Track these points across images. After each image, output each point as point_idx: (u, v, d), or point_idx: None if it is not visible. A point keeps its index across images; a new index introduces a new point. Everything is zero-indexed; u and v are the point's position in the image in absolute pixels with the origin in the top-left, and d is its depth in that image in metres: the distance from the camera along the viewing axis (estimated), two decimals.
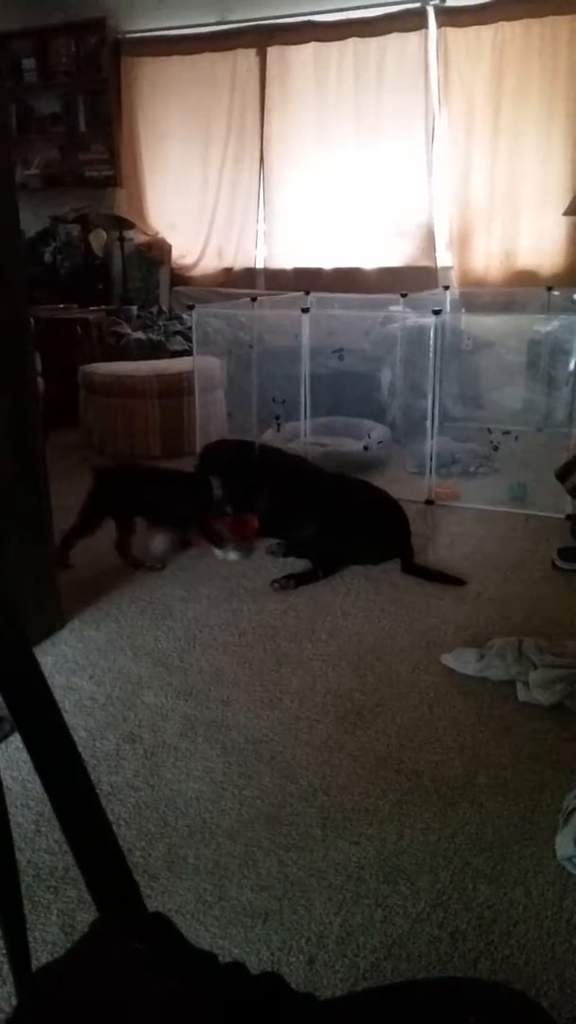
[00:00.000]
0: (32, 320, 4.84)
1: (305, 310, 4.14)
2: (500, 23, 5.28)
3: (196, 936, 1.51)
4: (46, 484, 2.65)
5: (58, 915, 1.56)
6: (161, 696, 2.31)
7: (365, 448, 4.36)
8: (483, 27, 5.32)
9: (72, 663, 2.48)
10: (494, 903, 1.60)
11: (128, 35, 6.12)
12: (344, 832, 1.79)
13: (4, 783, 1.91)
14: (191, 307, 4.46)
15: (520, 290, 5.50)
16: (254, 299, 5.03)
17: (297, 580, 3.05)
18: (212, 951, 0.81)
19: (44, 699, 0.75)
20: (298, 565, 3.17)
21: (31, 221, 6.26)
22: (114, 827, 1.81)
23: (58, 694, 2.30)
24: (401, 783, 1.95)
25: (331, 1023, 0.77)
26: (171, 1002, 0.62)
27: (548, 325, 5.11)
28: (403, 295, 5.04)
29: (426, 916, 1.57)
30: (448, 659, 2.45)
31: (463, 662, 2.41)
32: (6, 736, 2.02)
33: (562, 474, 3.33)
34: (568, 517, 3.52)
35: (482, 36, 5.35)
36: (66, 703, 2.25)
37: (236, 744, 2.09)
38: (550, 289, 5.22)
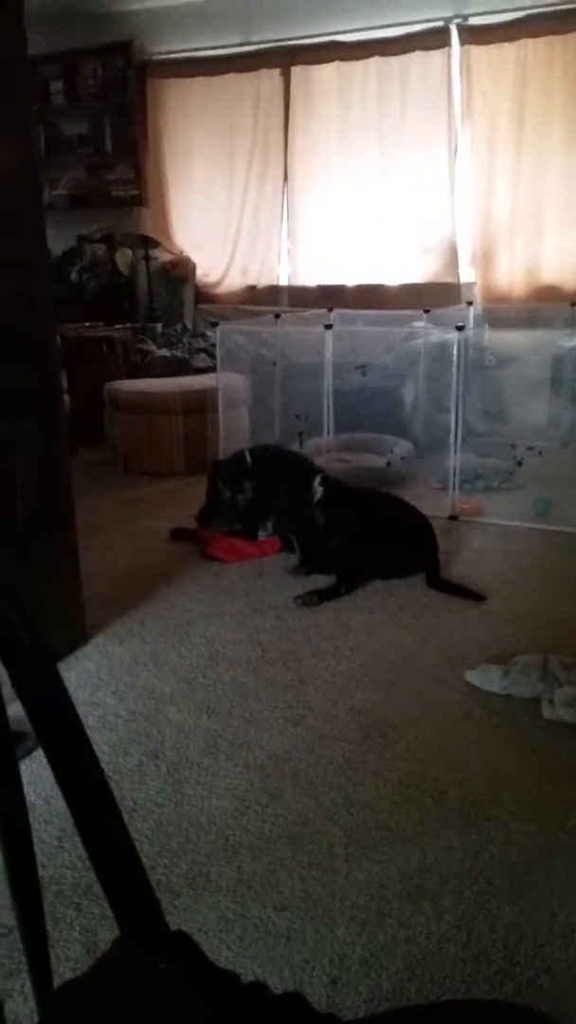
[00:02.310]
0: (58, 338, 4.91)
1: (328, 326, 4.15)
2: (523, 40, 5.29)
3: (218, 955, 1.50)
4: (71, 500, 2.68)
5: (80, 932, 1.57)
6: (184, 712, 2.31)
7: (388, 464, 4.36)
8: (506, 44, 5.33)
9: (96, 678, 2.49)
10: (519, 924, 1.58)
11: (154, 57, 6.20)
12: (367, 851, 1.78)
13: (28, 799, 1.92)
14: (215, 324, 4.48)
15: (544, 305, 5.48)
16: (277, 316, 5.06)
17: (320, 596, 3.05)
18: (233, 970, 0.81)
19: (68, 715, 0.75)
20: (321, 581, 3.16)
21: (58, 240, 6.34)
22: (136, 843, 1.81)
23: (82, 709, 2.31)
24: (425, 801, 1.94)
25: None
26: (191, 1022, 0.62)
27: (572, 340, 5.09)
28: (426, 311, 5.04)
29: (450, 937, 1.55)
30: (472, 676, 2.43)
31: (487, 679, 2.39)
32: (30, 752, 2.02)
33: None
34: None
35: (505, 53, 5.36)
36: (89, 719, 2.26)
37: (259, 761, 2.09)
38: (574, 304, 5.20)
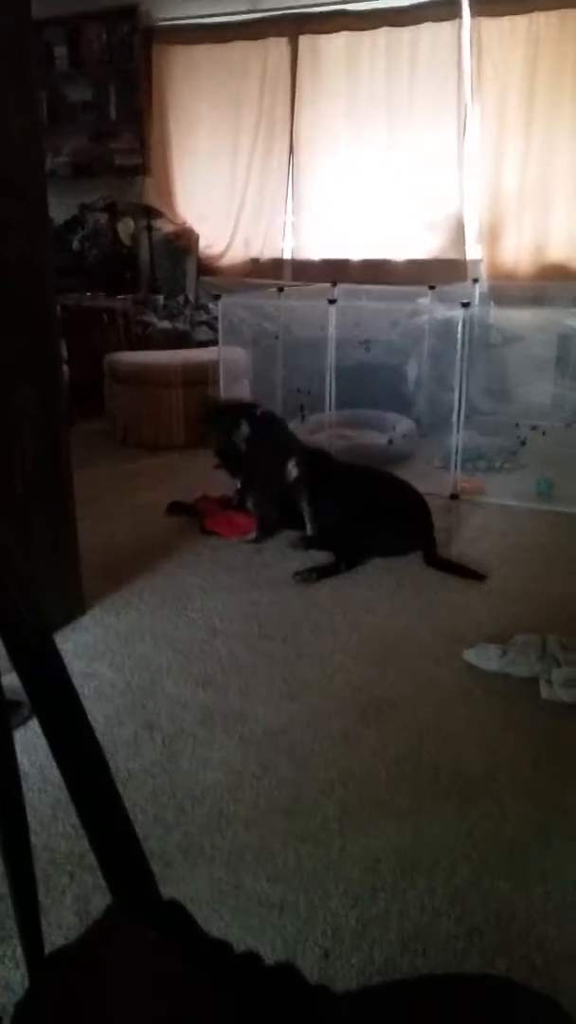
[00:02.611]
0: (59, 308, 4.86)
1: (332, 301, 4.11)
2: (535, 13, 5.19)
3: (211, 926, 1.49)
4: (70, 471, 2.66)
5: (73, 900, 1.56)
6: (180, 685, 2.30)
7: (390, 441, 4.33)
8: (517, 17, 5.24)
9: (92, 650, 2.48)
10: (513, 901, 1.58)
11: (160, 23, 6.10)
12: (361, 825, 1.77)
13: (22, 767, 1.91)
14: (217, 297, 4.44)
15: (551, 284, 5.43)
16: (281, 289, 5.01)
17: (319, 573, 3.04)
18: (226, 940, 0.80)
19: (63, 685, 0.74)
20: (320, 558, 3.15)
21: (60, 209, 6.26)
22: (131, 814, 1.80)
23: (78, 680, 2.30)
24: (420, 778, 1.93)
25: (346, 1016, 0.75)
26: (183, 991, 0.61)
27: None
28: (431, 288, 4.98)
29: (443, 912, 1.55)
30: (470, 655, 2.42)
31: (485, 658, 2.39)
32: (24, 721, 2.01)
33: None
34: None
35: (516, 26, 5.27)
36: (86, 689, 2.25)
37: (254, 735, 2.08)
38: None
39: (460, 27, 5.41)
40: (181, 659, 2.44)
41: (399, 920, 1.54)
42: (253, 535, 3.37)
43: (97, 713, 2.15)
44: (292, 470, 3.39)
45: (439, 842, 1.73)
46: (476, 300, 5.01)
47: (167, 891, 0.78)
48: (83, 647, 2.50)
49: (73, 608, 2.65)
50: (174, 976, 0.63)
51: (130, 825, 0.75)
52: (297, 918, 1.54)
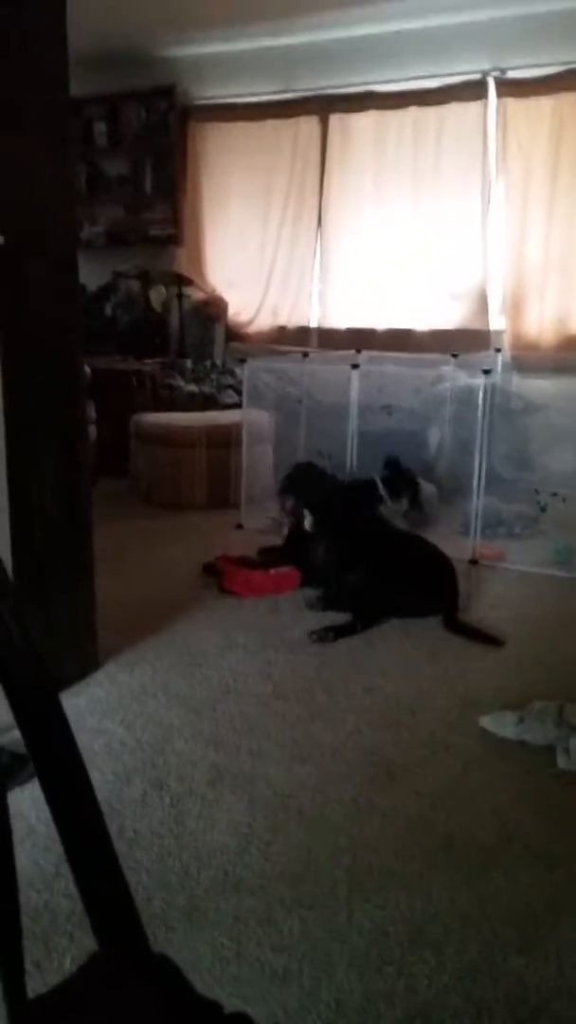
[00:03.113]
0: (88, 370, 4.97)
1: (355, 366, 4.16)
2: (560, 94, 5.35)
3: (210, 993, 1.45)
4: (90, 528, 2.68)
5: (72, 961, 1.53)
6: (191, 744, 2.28)
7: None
8: (543, 98, 5.40)
9: (104, 706, 2.47)
10: (525, 977, 1.52)
11: (196, 101, 6.34)
12: (370, 894, 1.73)
13: (29, 823, 1.89)
14: (243, 360, 4.51)
15: (573, 355, 5.47)
16: (305, 355, 5.09)
17: (336, 633, 3.02)
18: (217, 1000, 0.77)
19: (64, 742, 0.73)
20: (336, 618, 3.13)
21: (94, 276, 6.44)
22: (135, 874, 1.78)
23: (88, 736, 2.30)
24: (431, 846, 1.89)
25: None
26: None
27: None
28: (454, 355, 5.05)
29: (452, 987, 1.50)
30: (486, 721, 2.38)
31: (502, 725, 2.34)
32: (32, 777, 2.00)
33: None
34: None
35: (542, 106, 5.42)
36: (95, 746, 2.23)
37: (264, 797, 2.05)
38: None
39: (486, 107, 5.57)
40: (193, 717, 2.42)
41: (406, 995, 1.49)
42: (312, 600, 3.34)
43: (106, 770, 2.12)
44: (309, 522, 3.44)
45: (449, 914, 1.68)
46: (498, 368, 5.05)
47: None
48: (95, 703, 2.48)
49: (87, 663, 2.65)
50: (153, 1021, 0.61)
51: (121, 873, 0.74)
52: (300, 989, 1.49)
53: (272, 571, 3.50)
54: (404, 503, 4.09)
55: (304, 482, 3.79)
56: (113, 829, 1.87)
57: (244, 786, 2.09)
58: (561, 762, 2.18)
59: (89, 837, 0.74)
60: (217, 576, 3.54)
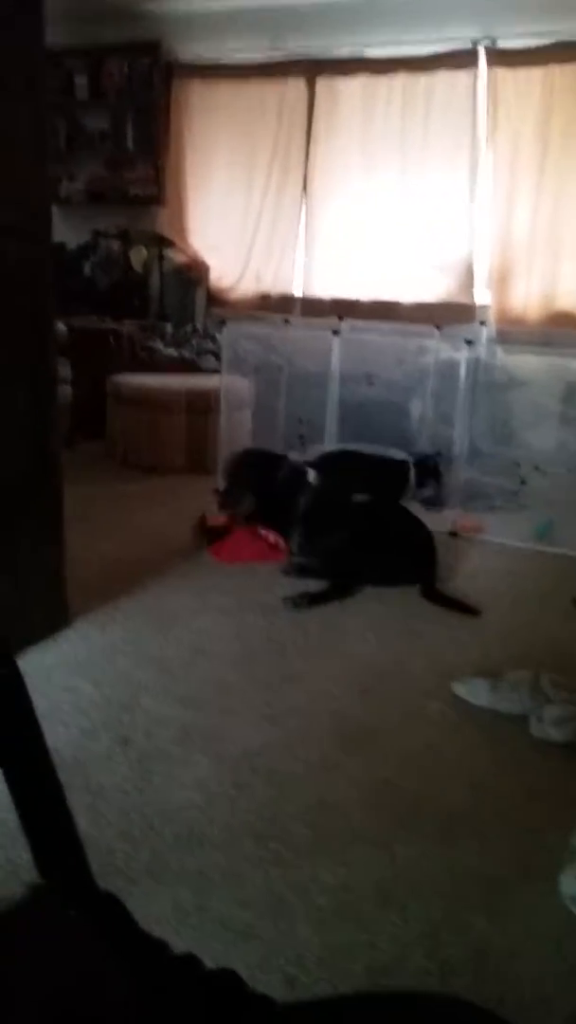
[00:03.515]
0: (64, 328, 4.87)
1: (336, 332, 4.10)
2: (551, 65, 5.28)
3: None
4: (60, 483, 2.62)
5: None
6: (160, 702, 2.24)
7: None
8: (534, 69, 5.32)
9: (73, 662, 2.43)
10: (489, 937, 1.51)
11: (181, 59, 6.20)
12: (335, 853, 1.71)
13: None
14: (222, 323, 4.44)
15: (559, 331, 5.44)
16: (287, 320, 5.02)
17: (311, 599, 2.99)
18: (164, 940, 0.74)
19: (19, 698, 0.69)
20: (313, 585, 3.10)
21: (73, 234, 6.32)
22: (97, 828, 1.74)
23: (56, 692, 2.26)
24: (400, 808, 1.87)
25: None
26: (98, 971, 0.56)
27: None
28: (438, 327, 5.00)
29: (415, 945, 1.48)
30: (460, 688, 2.36)
31: (475, 692, 2.33)
32: None
33: None
34: None
35: (532, 77, 5.34)
36: (62, 702, 2.19)
37: (232, 755, 2.02)
38: None
39: (476, 76, 5.49)
40: (163, 677, 2.38)
41: (368, 951, 1.47)
42: (288, 566, 3.30)
43: (72, 726, 2.09)
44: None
45: (415, 873, 1.66)
46: (483, 341, 5.01)
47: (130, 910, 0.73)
48: (64, 659, 2.44)
49: (57, 620, 2.60)
50: (99, 969, 0.57)
51: (66, 807, 0.70)
52: (262, 943, 1.47)
53: (262, 532, 3.44)
54: (429, 490, 4.11)
55: (254, 472, 3.61)
56: (77, 783, 1.85)
57: (212, 744, 2.06)
58: (534, 730, 2.17)
59: (31, 767, 0.70)
60: (210, 535, 3.48)
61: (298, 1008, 0.75)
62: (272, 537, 3.42)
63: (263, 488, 3.46)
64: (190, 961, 0.68)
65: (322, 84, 5.88)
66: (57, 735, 2.03)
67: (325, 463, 3.81)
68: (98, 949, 0.57)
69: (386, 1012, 0.68)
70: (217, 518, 3.51)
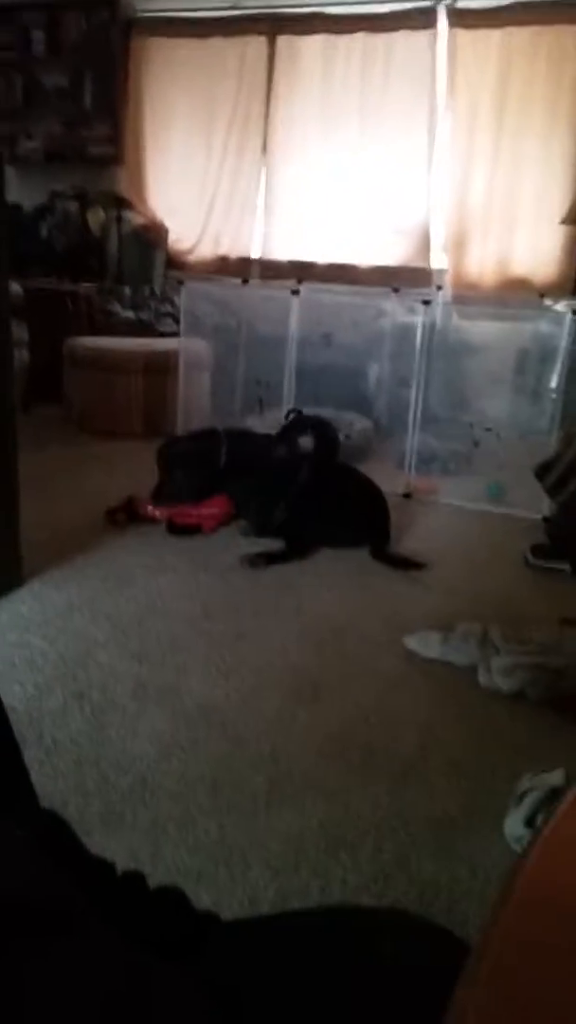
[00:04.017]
0: (20, 289, 4.78)
1: (295, 292, 4.08)
2: (509, 28, 5.26)
3: None
4: (14, 445, 2.58)
5: None
6: (115, 658, 2.25)
7: (346, 437, 4.31)
8: (492, 30, 5.30)
9: (27, 621, 2.42)
10: (437, 878, 1.55)
11: (140, 14, 6.07)
12: (289, 801, 1.73)
13: None
14: (180, 283, 4.40)
15: (512, 296, 5.47)
16: (245, 281, 4.98)
17: (268, 559, 3.00)
18: (110, 860, 0.75)
19: None
20: (269, 545, 3.11)
21: (30, 195, 6.19)
22: (51, 781, 1.75)
23: (8, 650, 2.25)
24: (352, 758, 1.90)
25: (236, 941, 0.72)
26: (53, 895, 0.56)
27: (537, 334, 5.07)
28: (395, 290, 5.00)
29: (365, 887, 1.52)
30: (411, 641, 2.40)
31: (426, 645, 2.37)
32: None
33: (540, 472, 3.29)
34: (544, 519, 3.49)
35: (491, 39, 5.32)
36: (15, 659, 2.19)
37: (186, 709, 2.04)
38: (542, 296, 5.19)
39: (435, 37, 5.46)
40: (118, 634, 2.38)
41: (319, 894, 1.50)
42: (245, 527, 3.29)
43: (26, 682, 2.08)
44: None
45: (367, 820, 1.69)
46: (439, 302, 5.02)
47: None
48: (16, 618, 2.43)
49: (10, 580, 2.59)
50: (44, 879, 0.58)
51: (10, 732, 0.71)
52: (214, 887, 1.49)
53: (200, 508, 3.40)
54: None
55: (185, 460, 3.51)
56: (31, 737, 1.85)
57: (167, 699, 2.07)
58: (482, 679, 2.22)
59: None
60: (128, 516, 3.33)
61: (244, 923, 0.77)
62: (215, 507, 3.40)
63: (201, 470, 3.42)
64: (135, 878, 0.69)
65: (282, 42, 5.81)
66: (12, 692, 2.03)
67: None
68: (43, 865, 0.57)
69: (330, 922, 0.70)
70: (186, 515, 3.32)
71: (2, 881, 0.51)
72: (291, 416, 3.76)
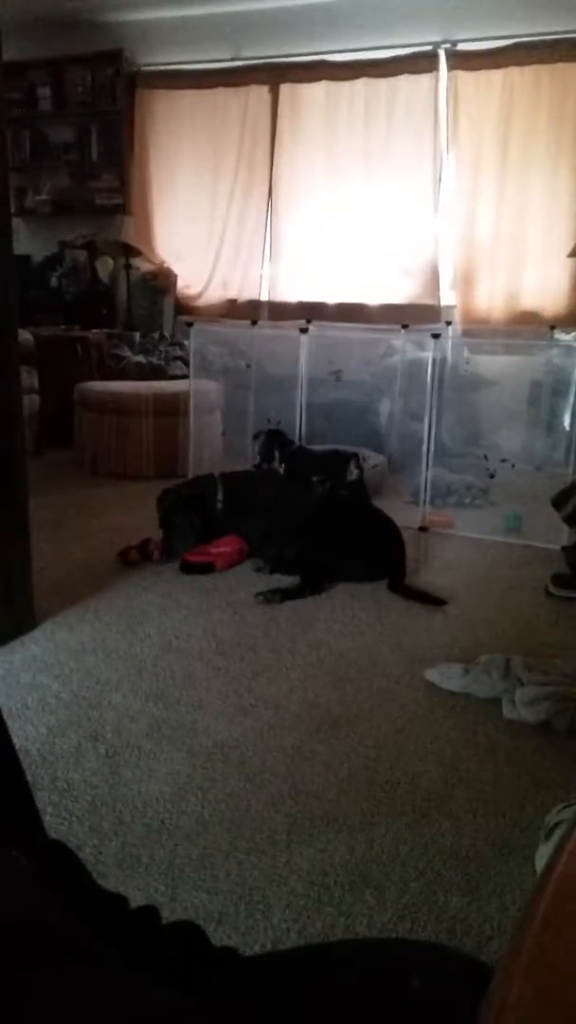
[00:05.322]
0: (31, 337, 4.83)
1: (304, 330, 4.10)
2: (510, 68, 5.34)
3: None
4: (25, 488, 2.57)
5: None
6: (129, 698, 2.20)
7: (361, 473, 4.29)
8: (493, 71, 5.39)
9: (40, 662, 2.38)
10: (466, 916, 1.48)
11: (144, 68, 6.21)
12: (310, 839, 1.68)
13: None
14: (190, 325, 4.42)
15: (523, 329, 5.49)
16: (254, 322, 5.02)
17: (283, 595, 2.97)
18: (123, 895, 0.72)
19: None
20: (284, 581, 3.08)
21: (39, 246, 6.30)
22: (66, 823, 1.70)
23: (22, 691, 2.22)
24: (375, 793, 1.84)
25: (257, 975, 0.67)
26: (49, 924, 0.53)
27: (549, 365, 5.07)
28: (404, 326, 5.02)
29: (392, 927, 1.45)
30: (432, 674, 2.34)
31: (447, 677, 2.31)
32: None
33: (559, 500, 3.26)
34: (563, 548, 3.43)
35: (492, 80, 5.41)
36: (29, 700, 2.15)
37: (203, 748, 1.99)
38: (552, 328, 5.20)
39: (437, 79, 5.55)
40: (132, 673, 2.34)
41: (345, 934, 1.44)
42: (260, 563, 3.27)
43: (40, 723, 2.04)
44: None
45: (391, 857, 1.63)
46: (448, 336, 5.04)
47: None
48: (30, 659, 2.39)
49: (23, 621, 2.56)
50: (47, 916, 0.54)
51: (18, 763, 0.68)
52: (235, 931, 1.43)
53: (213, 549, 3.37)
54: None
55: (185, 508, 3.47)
56: (45, 779, 1.80)
57: (183, 738, 2.02)
58: (507, 712, 2.16)
59: None
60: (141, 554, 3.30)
61: (268, 957, 0.72)
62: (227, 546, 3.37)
63: (198, 514, 3.40)
64: (148, 911, 0.65)
65: (285, 90, 5.92)
66: (25, 734, 1.99)
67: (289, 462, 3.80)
68: (51, 896, 0.54)
69: (368, 958, 0.65)
70: (199, 553, 3.29)
71: (4, 909, 0.48)
72: (261, 437, 3.81)
